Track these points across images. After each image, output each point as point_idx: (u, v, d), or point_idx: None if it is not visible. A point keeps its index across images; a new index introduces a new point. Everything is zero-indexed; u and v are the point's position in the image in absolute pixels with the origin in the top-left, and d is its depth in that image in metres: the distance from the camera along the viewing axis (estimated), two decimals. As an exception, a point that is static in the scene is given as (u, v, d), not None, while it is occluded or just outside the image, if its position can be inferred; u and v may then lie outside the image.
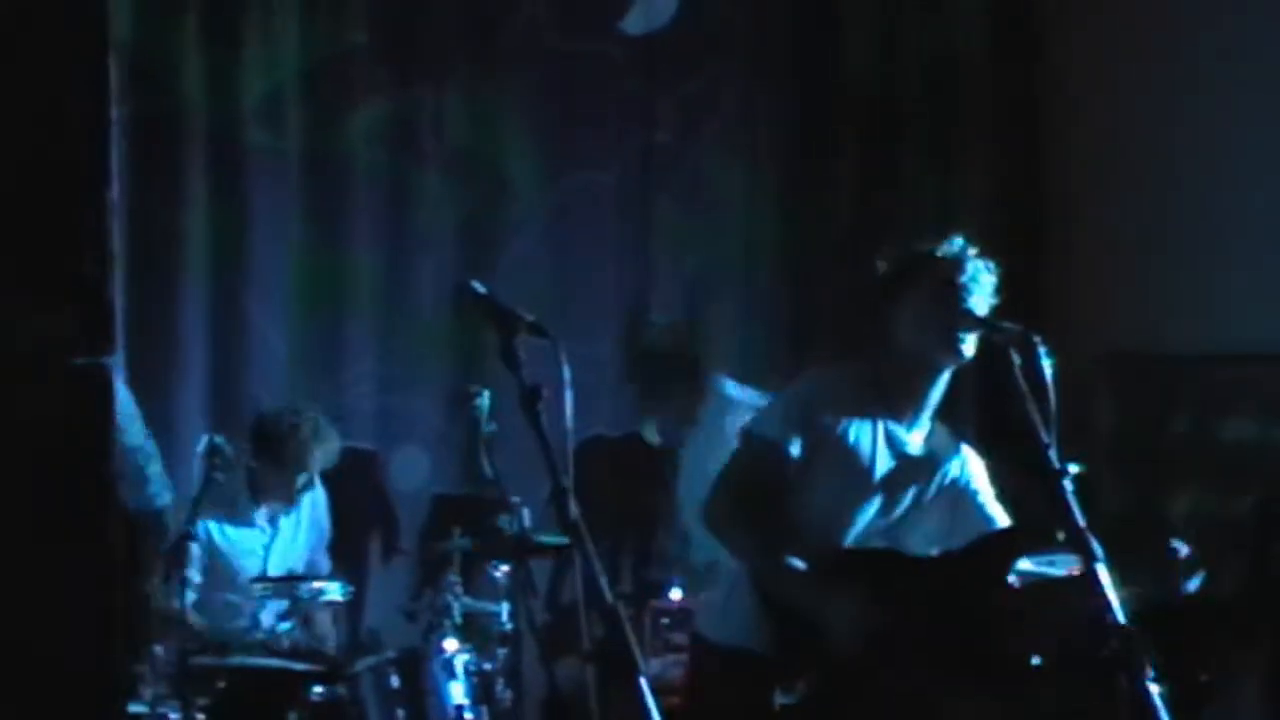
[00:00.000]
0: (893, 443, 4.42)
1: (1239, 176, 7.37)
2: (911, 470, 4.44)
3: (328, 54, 7.23)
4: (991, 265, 4.35)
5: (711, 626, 4.60)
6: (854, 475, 4.38)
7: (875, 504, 4.42)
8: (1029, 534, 4.20)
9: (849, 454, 4.37)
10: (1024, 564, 4.30)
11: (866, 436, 4.39)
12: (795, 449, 4.34)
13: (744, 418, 6.04)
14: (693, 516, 5.87)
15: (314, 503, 6.70)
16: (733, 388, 6.28)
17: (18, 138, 2.30)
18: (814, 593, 4.22)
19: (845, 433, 4.37)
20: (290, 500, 6.58)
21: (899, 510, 4.46)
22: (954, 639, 4.20)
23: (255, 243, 7.09)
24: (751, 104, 7.94)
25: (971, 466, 4.55)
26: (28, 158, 2.30)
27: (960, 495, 4.52)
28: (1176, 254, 7.51)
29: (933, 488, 4.49)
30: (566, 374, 3.34)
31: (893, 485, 4.43)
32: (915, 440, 4.45)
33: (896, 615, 4.17)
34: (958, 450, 4.53)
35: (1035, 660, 4.22)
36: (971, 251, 4.35)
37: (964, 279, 4.29)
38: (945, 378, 4.40)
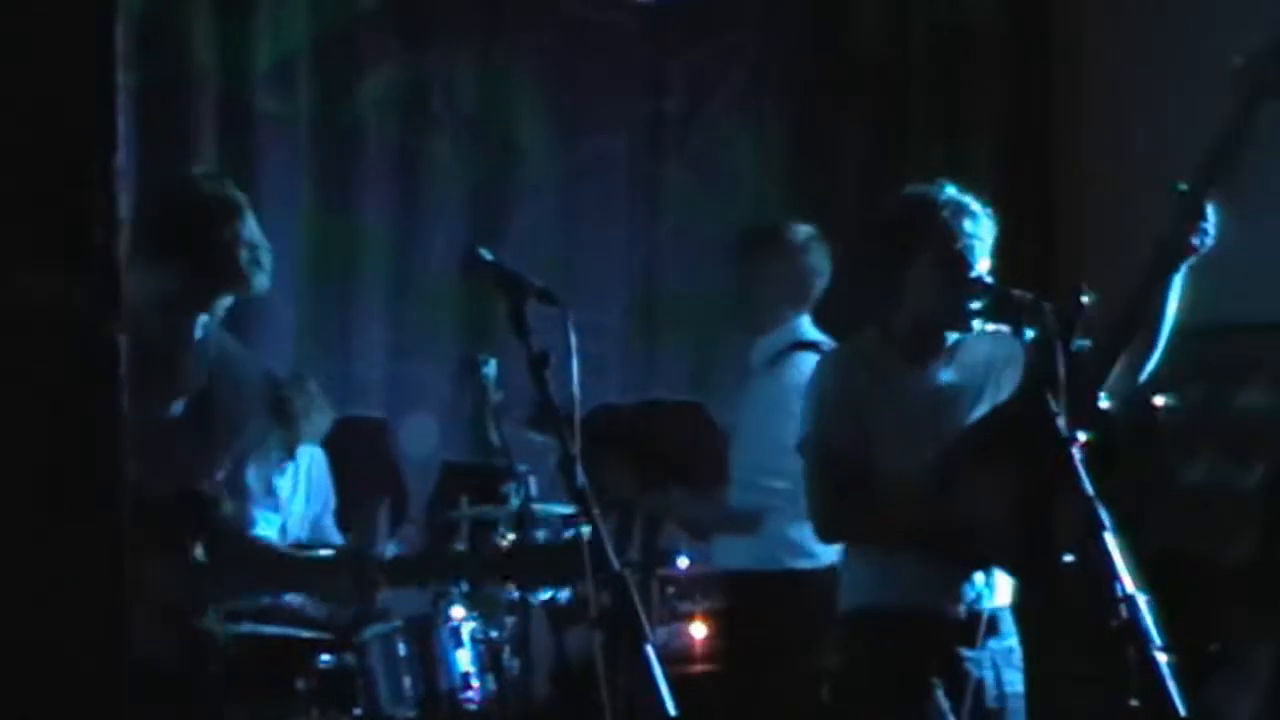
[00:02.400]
0: (928, 383, 4.37)
1: (1253, 150, 7.31)
2: (959, 397, 4.37)
3: (338, 20, 7.21)
4: (988, 209, 4.32)
5: (874, 590, 4.45)
6: (907, 429, 4.33)
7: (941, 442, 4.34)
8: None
9: (893, 414, 4.34)
10: None
11: (900, 389, 4.36)
12: (844, 436, 4.32)
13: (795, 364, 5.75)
14: (741, 461, 5.70)
15: (312, 465, 6.69)
16: (809, 328, 5.86)
17: (25, 104, 2.29)
18: (952, 529, 4.18)
19: (880, 396, 4.34)
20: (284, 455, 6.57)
21: None
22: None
23: (264, 210, 7.05)
24: (762, 71, 7.92)
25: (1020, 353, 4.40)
26: (35, 124, 2.30)
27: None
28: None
29: (989, 399, 4.40)
30: (574, 341, 3.34)
31: (949, 420, 4.37)
32: (948, 370, 4.39)
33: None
34: (997, 345, 4.41)
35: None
36: (969, 201, 4.31)
37: (967, 241, 4.26)
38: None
